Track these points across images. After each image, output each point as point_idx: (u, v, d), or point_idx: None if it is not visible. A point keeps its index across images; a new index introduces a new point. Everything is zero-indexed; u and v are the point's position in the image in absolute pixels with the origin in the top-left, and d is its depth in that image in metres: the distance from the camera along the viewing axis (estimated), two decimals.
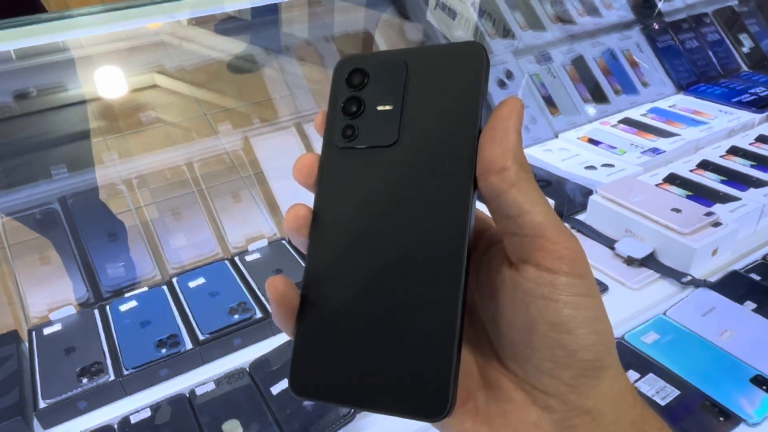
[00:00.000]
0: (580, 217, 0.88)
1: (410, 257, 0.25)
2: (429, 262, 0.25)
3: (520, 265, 0.24)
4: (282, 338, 0.69)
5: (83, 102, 0.93)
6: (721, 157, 0.97)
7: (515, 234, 0.24)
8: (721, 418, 0.58)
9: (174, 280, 0.76)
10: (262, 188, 0.92)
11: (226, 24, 1.12)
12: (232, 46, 1.13)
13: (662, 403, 0.60)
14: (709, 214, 0.79)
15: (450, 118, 0.26)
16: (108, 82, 0.94)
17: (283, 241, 0.83)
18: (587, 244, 0.83)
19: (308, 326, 0.26)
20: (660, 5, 1.29)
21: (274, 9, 1.11)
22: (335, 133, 0.27)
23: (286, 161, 0.94)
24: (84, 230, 0.79)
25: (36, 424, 0.61)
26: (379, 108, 0.27)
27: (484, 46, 0.26)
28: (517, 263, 0.25)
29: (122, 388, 0.64)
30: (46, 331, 0.70)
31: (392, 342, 0.25)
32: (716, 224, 0.79)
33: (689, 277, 0.76)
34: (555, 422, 0.24)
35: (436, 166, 0.25)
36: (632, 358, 0.65)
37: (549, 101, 1.11)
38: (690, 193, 0.88)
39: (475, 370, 0.27)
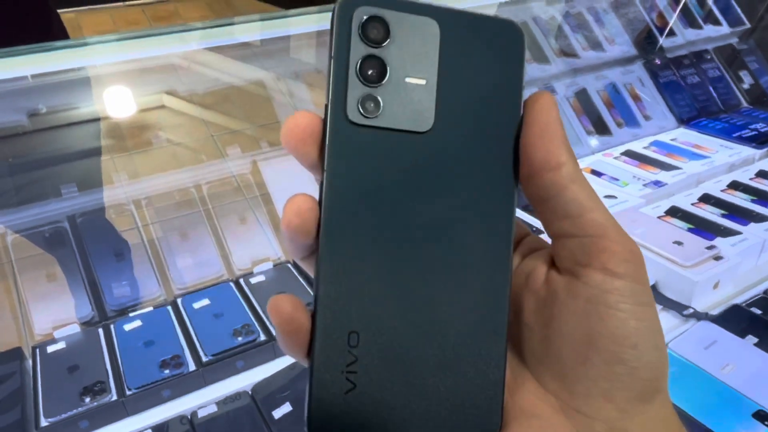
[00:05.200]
0: None
1: (450, 268, 0.22)
2: (471, 275, 0.22)
3: (579, 270, 0.22)
4: (285, 361, 0.69)
5: (93, 121, 0.95)
6: (722, 191, 0.98)
7: (574, 235, 0.22)
8: None
9: (179, 300, 0.77)
10: (268, 209, 0.93)
11: (236, 49, 1.14)
12: (241, 70, 1.15)
13: None
14: (710, 247, 0.80)
15: (491, 107, 0.22)
16: (118, 103, 0.95)
17: (289, 264, 0.84)
18: None
19: (330, 351, 0.21)
20: (662, 41, 1.32)
21: (284, 37, 1.13)
22: (350, 103, 0.21)
23: (293, 185, 0.95)
24: (91, 249, 0.80)
25: None
26: (409, 80, 0.22)
27: (520, 28, 0.23)
28: (573, 269, 0.22)
29: (124, 408, 0.64)
30: (50, 348, 0.70)
31: (432, 364, 0.22)
32: (717, 258, 0.80)
33: (691, 310, 0.76)
34: None
35: (476, 163, 0.22)
36: None
37: None
38: (691, 226, 0.89)
39: (506, 398, 0.23)
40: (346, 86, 0.21)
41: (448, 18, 0.22)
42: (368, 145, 0.21)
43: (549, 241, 0.24)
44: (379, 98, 0.21)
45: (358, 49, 0.21)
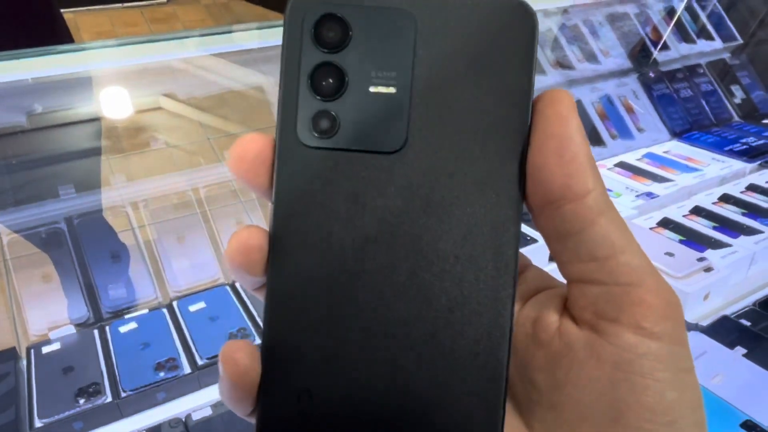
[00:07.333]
0: None
1: (430, 320, 0.18)
2: (459, 328, 0.18)
3: (605, 325, 0.18)
4: None
5: (91, 122, 0.95)
6: (714, 204, 1.00)
7: (600, 282, 0.18)
8: None
9: (174, 303, 0.77)
10: (265, 213, 0.94)
11: (234, 53, 1.15)
12: (239, 74, 1.15)
13: None
14: (701, 259, 0.81)
15: (485, 117, 0.18)
16: (115, 104, 0.96)
17: None
18: None
19: (277, 412, 0.18)
20: (656, 55, 1.34)
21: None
22: (300, 122, 0.18)
23: None
24: (88, 250, 0.80)
25: None
26: (373, 89, 0.18)
27: (532, 9, 0.18)
28: (595, 322, 0.18)
29: (119, 410, 0.64)
30: (45, 349, 0.70)
31: (408, 421, 0.18)
32: (708, 269, 0.81)
33: None
34: None
35: (464, 189, 0.18)
36: None
37: None
38: (683, 238, 0.90)
39: None
40: (296, 102, 0.18)
41: (425, 4, 0.18)
42: (324, 172, 0.18)
43: (550, 272, 0.21)
44: (336, 114, 0.18)
45: (310, 56, 0.18)
